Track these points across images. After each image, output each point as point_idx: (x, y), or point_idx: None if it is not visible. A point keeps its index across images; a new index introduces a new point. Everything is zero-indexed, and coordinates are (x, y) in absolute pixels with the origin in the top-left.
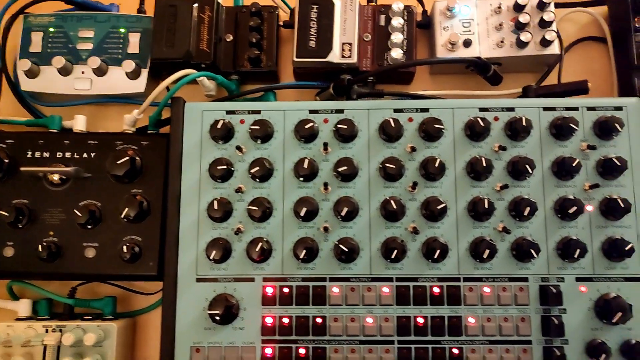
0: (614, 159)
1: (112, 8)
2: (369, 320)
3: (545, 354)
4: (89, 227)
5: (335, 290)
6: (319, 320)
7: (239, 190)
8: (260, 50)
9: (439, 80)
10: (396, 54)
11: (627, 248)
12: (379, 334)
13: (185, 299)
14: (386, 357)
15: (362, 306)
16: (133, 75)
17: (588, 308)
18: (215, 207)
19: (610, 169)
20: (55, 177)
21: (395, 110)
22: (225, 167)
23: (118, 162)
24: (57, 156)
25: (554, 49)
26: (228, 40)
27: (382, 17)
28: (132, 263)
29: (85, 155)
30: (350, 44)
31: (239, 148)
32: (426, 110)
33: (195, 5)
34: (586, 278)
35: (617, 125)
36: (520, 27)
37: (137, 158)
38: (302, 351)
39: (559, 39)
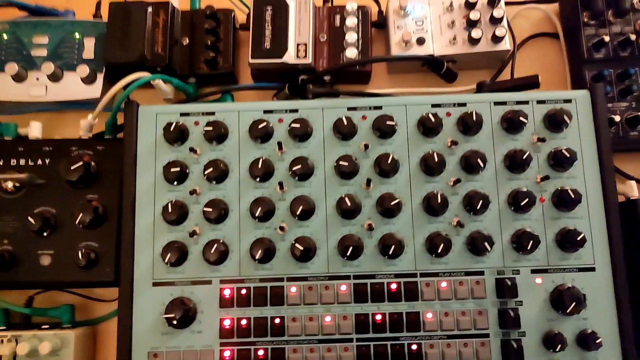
0: (564, 151)
1: (67, 14)
2: (327, 319)
3: (503, 347)
4: (44, 234)
5: (293, 290)
6: (277, 320)
7: (194, 192)
8: (217, 52)
9: (397, 79)
10: (351, 53)
11: (579, 238)
12: (338, 332)
13: (141, 304)
14: (345, 356)
15: (320, 305)
16: (88, 80)
17: (544, 299)
18: (170, 210)
19: (560, 160)
20: (9, 185)
21: (349, 109)
22: (179, 169)
23: (72, 168)
24: (12, 164)
25: (506, 45)
26: (184, 43)
27: (337, 17)
28: (88, 269)
29: (40, 162)
30: (305, 44)
31: (192, 150)
32: (379, 107)
33: (150, 9)
34: (541, 270)
35: (566, 117)
36: (471, 24)
37: (92, 163)
38: (260, 352)
39: (512, 35)
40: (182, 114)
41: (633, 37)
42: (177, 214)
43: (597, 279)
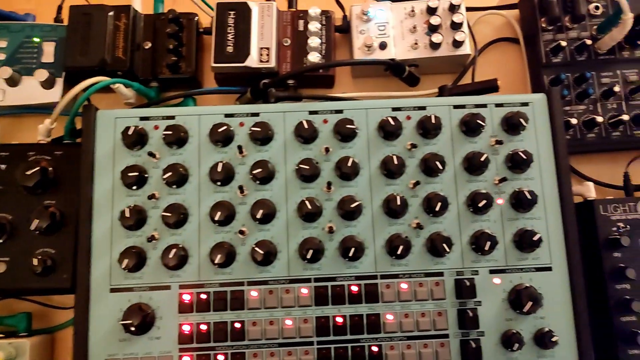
0: (520, 153)
1: (28, 18)
2: (288, 322)
3: (462, 347)
4: None
5: (254, 294)
6: (237, 325)
7: (152, 197)
8: (179, 56)
9: (361, 84)
10: (313, 57)
11: (535, 238)
12: (298, 335)
13: (98, 311)
14: (305, 359)
15: (280, 308)
16: (47, 84)
17: (502, 299)
18: (128, 215)
19: (517, 162)
20: None
21: (311, 112)
22: (137, 173)
23: (28, 173)
24: None
25: (466, 49)
26: (146, 47)
27: (301, 22)
28: (45, 276)
29: None
30: (268, 48)
31: (152, 154)
32: (340, 111)
33: (111, 13)
34: (499, 270)
35: (522, 120)
36: (432, 29)
37: (50, 168)
38: (220, 357)
39: (473, 39)
40: (141, 118)
41: (589, 42)
42: (135, 219)
43: (554, 279)
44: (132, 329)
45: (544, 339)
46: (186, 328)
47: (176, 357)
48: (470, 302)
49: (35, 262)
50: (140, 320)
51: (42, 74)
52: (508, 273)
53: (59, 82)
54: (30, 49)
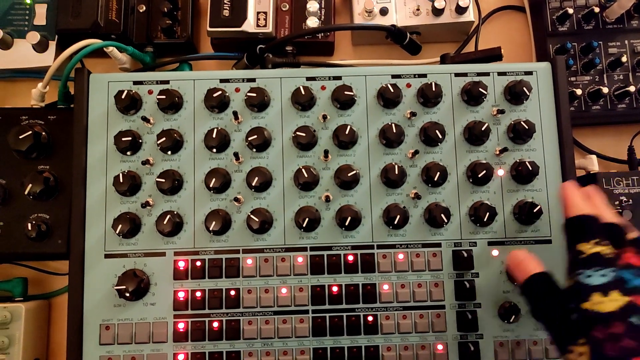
0: (523, 123)
1: None
2: (283, 290)
3: (459, 318)
4: None
5: (249, 262)
6: (232, 292)
7: (147, 163)
8: (175, 20)
9: (361, 51)
10: (312, 22)
11: (535, 210)
12: (293, 304)
13: (93, 276)
14: (300, 327)
15: (275, 277)
16: (40, 47)
17: (500, 271)
18: (122, 180)
19: (519, 133)
20: None
21: (308, 79)
22: (130, 138)
23: (20, 137)
24: None
25: (470, 16)
26: (141, 10)
27: None
28: (39, 241)
29: None
30: (265, 12)
31: (145, 119)
32: (339, 78)
33: None
34: (498, 242)
35: (525, 89)
36: None
37: (43, 133)
38: (215, 324)
39: (477, 7)
40: (135, 83)
41: (597, 10)
42: (129, 185)
43: (553, 251)
44: (127, 294)
45: None
46: (181, 294)
47: (171, 323)
48: (467, 274)
49: (29, 227)
50: (135, 286)
51: (34, 37)
52: (507, 245)
53: (52, 45)
54: (21, 10)
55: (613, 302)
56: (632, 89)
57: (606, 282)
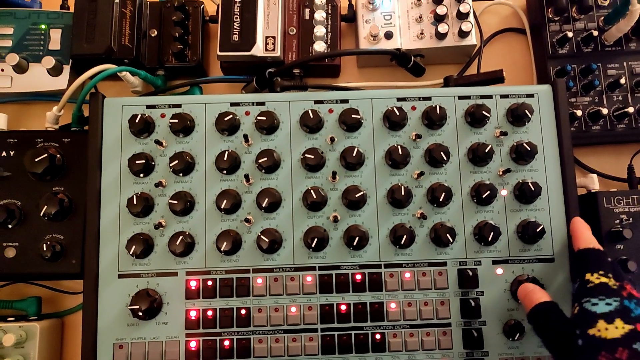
0: (525, 144)
1: (34, 4)
2: (293, 309)
3: (464, 335)
4: (8, 226)
5: (259, 281)
6: (242, 311)
7: (159, 185)
8: (185, 45)
9: (366, 73)
10: (319, 47)
11: (538, 230)
12: (303, 322)
13: (107, 296)
14: (310, 346)
15: (285, 296)
16: (55, 72)
17: (504, 290)
18: (135, 202)
19: (522, 154)
20: None
21: (316, 102)
22: (144, 161)
23: (36, 160)
24: None
25: (472, 39)
26: (152, 35)
27: (307, 10)
28: (53, 262)
29: (4, 154)
30: (273, 37)
31: (158, 142)
32: (346, 101)
33: (117, 0)
34: (502, 260)
35: (527, 111)
36: (438, 19)
37: (58, 155)
38: (226, 343)
39: (479, 30)
40: (148, 106)
41: (596, 33)
42: (142, 206)
43: (556, 270)
44: (140, 314)
45: None
46: (193, 314)
47: (183, 342)
48: (472, 292)
49: (44, 247)
50: (148, 306)
51: (49, 61)
52: (510, 264)
53: (66, 70)
54: (37, 35)
55: (618, 329)
56: (630, 109)
57: (611, 310)
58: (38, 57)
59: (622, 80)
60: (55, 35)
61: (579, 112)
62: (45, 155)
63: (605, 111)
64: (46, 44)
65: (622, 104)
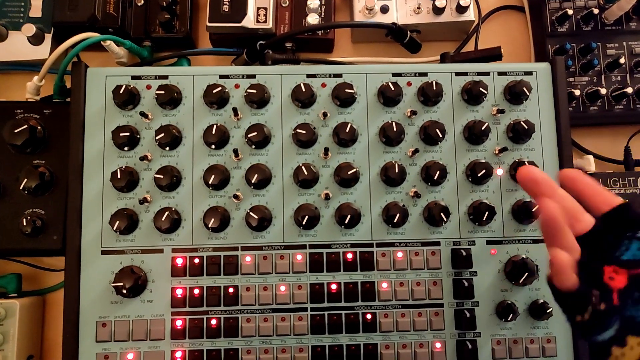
0: (522, 123)
1: None
2: (282, 288)
3: (457, 316)
4: None
5: (248, 259)
6: (230, 290)
7: (144, 159)
8: (173, 15)
9: (361, 49)
10: (312, 19)
11: (533, 210)
12: (292, 302)
13: (89, 273)
14: (299, 325)
15: (274, 274)
16: (35, 40)
17: (498, 270)
18: (119, 176)
19: (519, 133)
20: None
21: (309, 76)
22: (128, 134)
23: (16, 131)
24: None
25: (470, 15)
26: (139, 4)
27: None
28: (34, 237)
29: None
30: (265, 8)
31: (143, 114)
32: (339, 75)
33: None
34: (496, 241)
35: (525, 89)
36: None
37: (39, 127)
38: (213, 322)
39: (477, 6)
40: (133, 77)
41: (596, 11)
42: (126, 181)
43: None
44: (124, 291)
45: (538, 310)
46: (179, 292)
47: (168, 321)
48: (466, 272)
49: (24, 222)
50: (133, 283)
51: (30, 29)
52: (505, 244)
53: (48, 38)
54: (17, 2)
55: (634, 349)
56: (629, 90)
57: (618, 329)
58: (18, 25)
59: (622, 60)
60: (37, 2)
61: (577, 92)
62: (26, 126)
63: (603, 91)
64: (27, 10)
65: (620, 85)
